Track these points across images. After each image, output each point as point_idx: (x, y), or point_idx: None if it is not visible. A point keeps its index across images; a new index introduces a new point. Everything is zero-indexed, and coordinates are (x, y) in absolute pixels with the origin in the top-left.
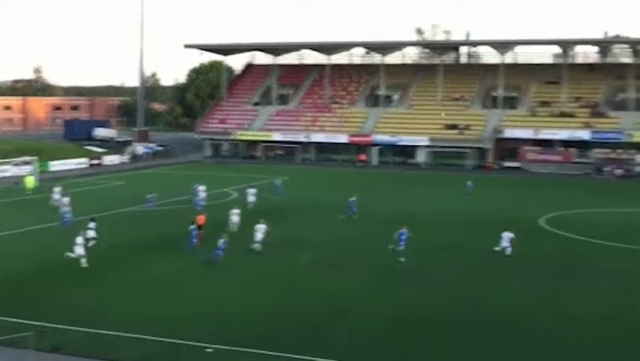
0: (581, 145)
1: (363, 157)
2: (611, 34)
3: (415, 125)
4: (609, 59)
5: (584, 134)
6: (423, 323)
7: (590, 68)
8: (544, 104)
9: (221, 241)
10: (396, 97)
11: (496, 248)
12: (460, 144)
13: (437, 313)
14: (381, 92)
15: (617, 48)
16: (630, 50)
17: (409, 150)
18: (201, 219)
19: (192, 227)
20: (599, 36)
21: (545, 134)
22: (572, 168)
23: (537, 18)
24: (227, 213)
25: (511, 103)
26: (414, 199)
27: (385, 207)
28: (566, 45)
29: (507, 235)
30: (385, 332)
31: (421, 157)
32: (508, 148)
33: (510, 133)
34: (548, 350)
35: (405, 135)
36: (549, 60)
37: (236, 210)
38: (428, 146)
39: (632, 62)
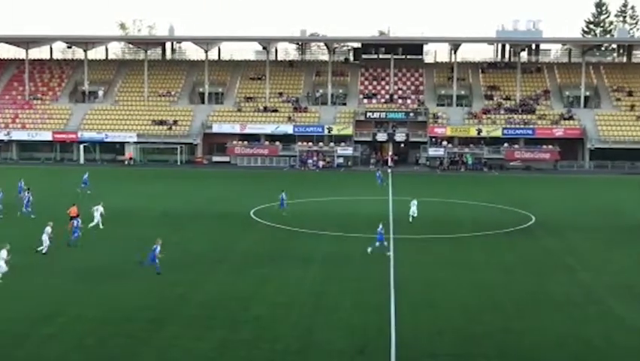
0: (286, 139)
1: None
2: (309, 32)
3: (122, 122)
4: (307, 56)
5: (288, 128)
6: (129, 322)
7: (290, 64)
8: (249, 99)
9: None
10: (101, 93)
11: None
12: (169, 140)
13: (143, 312)
14: (86, 87)
15: (314, 46)
16: (326, 47)
17: (117, 147)
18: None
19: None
20: (297, 34)
21: (252, 128)
22: (279, 160)
23: (239, 15)
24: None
25: (217, 98)
26: (123, 196)
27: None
28: (267, 42)
29: (414, 203)
30: (91, 333)
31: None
32: (217, 143)
33: (218, 128)
34: (258, 333)
35: (112, 132)
36: (252, 57)
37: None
38: (137, 142)
39: (327, 59)
